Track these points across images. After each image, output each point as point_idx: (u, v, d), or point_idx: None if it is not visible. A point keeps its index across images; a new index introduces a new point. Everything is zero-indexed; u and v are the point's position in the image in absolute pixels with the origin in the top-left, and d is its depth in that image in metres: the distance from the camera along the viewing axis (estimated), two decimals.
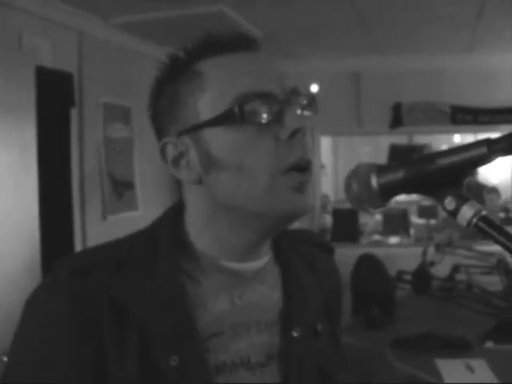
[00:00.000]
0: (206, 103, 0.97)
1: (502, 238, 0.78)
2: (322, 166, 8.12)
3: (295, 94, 1.00)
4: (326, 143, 8.58)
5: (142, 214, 4.32)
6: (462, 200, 0.81)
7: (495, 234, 0.79)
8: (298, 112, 1.00)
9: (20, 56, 2.82)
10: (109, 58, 4.08)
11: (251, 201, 0.97)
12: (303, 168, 0.98)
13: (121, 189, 4.12)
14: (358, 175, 0.91)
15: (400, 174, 0.88)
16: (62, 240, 3.59)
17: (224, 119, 0.95)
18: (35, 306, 0.97)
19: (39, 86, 3.16)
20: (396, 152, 5.97)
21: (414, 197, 8.54)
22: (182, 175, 1.01)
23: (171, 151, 1.00)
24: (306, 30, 4.61)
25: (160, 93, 1.02)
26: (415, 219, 7.01)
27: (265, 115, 0.96)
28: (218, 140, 0.97)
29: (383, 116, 5.53)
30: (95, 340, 0.93)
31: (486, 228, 0.79)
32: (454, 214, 0.82)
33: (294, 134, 0.97)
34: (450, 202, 0.82)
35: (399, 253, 5.45)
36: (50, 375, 0.93)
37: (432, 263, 4.02)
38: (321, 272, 1.18)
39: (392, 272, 4.16)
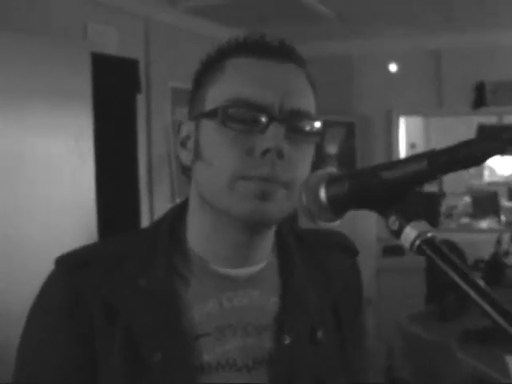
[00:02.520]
0: (211, 96, 1.01)
1: (444, 265, 0.70)
2: (413, 145, 7.90)
3: (294, 115, 1.00)
4: (415, 123, 8.31)
5: None
6: (405, 219, 0.73)
7: (438, 260, 0.70)
8: (281, 132, 0.98)
9: (77, 44, 2.87)
10: (176, 42, 4.10)
11: (214, 198, 0.99)
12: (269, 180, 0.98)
13: (189, 172, 4.16)
14: (307, 185, 0.86)
15: (345, 187, 0.81)
16: (129, 223, 3.66)
17: (211, 116, 0.99)
18: (37, 299, 1.05)
19: (104, 74, 3.21)
20: (485, 132, 5.69)
21: (503, 178, 8.16)
22: (182, 155, 1.05)
23: (183, 131, 1.06)
24: (380, 7, 4.45)
25: (195, 80, 1.07)
26: (505, 202, 6.71)
27: (242, 124, 0.98)
28: (206, 133, 1.01)
29: (465, 96, 5.26)
30: (86, 333, 0.99)
31: (428, 252, 0.71)
32: (397, 234, 0.74)
33: (266, 152, 0.96)
34: (393, 222, 0.74)
35: (485, 238, 5.20)
36: (43, 366, 1.01)
37: (507, 253, 3.81)
38: (333, 273, 1.16)
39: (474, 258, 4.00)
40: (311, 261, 1.16)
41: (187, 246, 1.05)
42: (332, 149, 5.08)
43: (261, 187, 0.96)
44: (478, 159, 0.67)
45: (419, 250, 0.72)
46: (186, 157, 1.05)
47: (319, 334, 1.09)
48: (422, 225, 0.73)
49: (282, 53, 1.04)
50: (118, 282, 1.02)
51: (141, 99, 3.76)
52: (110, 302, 1.00)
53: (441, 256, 0.70)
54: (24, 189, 2.64)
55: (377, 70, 5.31)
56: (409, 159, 0.74)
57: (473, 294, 0.68)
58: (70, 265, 1.04)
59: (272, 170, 0.97)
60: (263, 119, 0.98)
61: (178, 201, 3.97)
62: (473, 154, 0.67)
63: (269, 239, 1.10)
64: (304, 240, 1.17)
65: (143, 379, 0.98)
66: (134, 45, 3.73)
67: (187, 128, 1.06)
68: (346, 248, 1.23)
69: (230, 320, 1.02)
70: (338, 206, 0.83)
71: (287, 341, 1.05)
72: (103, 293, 1.00)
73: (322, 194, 0.84)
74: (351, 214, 1.00)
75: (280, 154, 0.97)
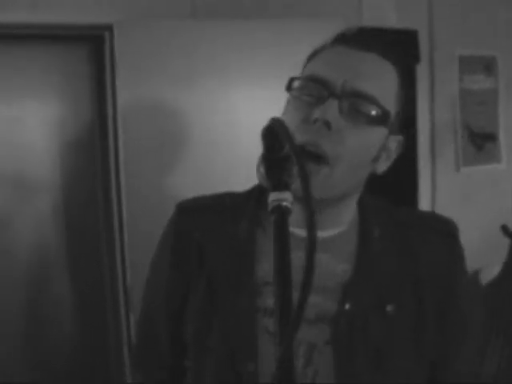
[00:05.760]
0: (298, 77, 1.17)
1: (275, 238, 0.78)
2: None
3: (354, 95, 1.07)
4: None
5: (506, 167, 4.15)
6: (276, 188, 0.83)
7: (275, 230, 0.79)
8: (334, 106, 1.05)
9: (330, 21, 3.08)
10: (464, 8, 3.97)
11: None
12: (311, 155, 1.06)
13: (480, 141, 4.06)
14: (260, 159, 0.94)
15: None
16: (405, 197, 3.70)
17: (287, 89, 1.15)
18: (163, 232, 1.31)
19: None
20: None
21: None
22: None
23: None
24: None
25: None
26: None
27: (306, 95, 1.10)
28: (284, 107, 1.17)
29: None
30: (184, 270, 1.21)
31: (275, 218, 0.79)
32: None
33: (315, 121, 1.06)
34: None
35: None
36: (158, 277, 1.30)
37: None
38: (421, 255, 1.18)
39: None
40: (398, 238, 1.18)
41: None
42: None
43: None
44: None
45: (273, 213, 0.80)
46: None
47: (389, 308, 1.11)
48: (283, 194, 0.81)
49: (370, 44, 1.12)
50: (212, 228, 1.19)
51: (421, 69, 3.80)
52: (201, 244, 1.18)
53: (279, 228, 0.79)
54: (234, 158, 2.87)
55: None
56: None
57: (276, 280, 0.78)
58: (180, 210, 1.27)
59: (315, 138, 1.05)
60: (323, 93, 1.08)
61: (462, 170, 3.82)
62: None
63: (342, 208, 1.16)
64: (395, 218, 1.21)
65: (216, 318, 1.14)
66: (414, 15, 3.78)
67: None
68: (440, 231, 1.22)
69: (296, 276, 1.08)
70: (273, 177, 0.88)
71: (347, 306, 1.10)
72: (198, 235, 1.19)
73: (262, 167, 0.91)
74: None
75: (327, 124, 1.04)
